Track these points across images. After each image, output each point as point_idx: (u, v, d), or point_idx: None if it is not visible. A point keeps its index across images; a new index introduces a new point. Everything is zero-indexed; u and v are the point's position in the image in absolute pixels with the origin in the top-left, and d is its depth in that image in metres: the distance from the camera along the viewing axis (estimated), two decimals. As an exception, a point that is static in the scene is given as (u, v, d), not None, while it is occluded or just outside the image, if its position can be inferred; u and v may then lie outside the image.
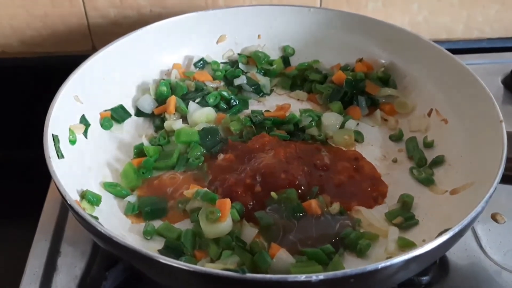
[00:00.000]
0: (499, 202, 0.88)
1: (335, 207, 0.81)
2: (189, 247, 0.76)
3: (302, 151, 0.91)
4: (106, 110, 0.96)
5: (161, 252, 0.77)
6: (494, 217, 0.88)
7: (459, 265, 0.82)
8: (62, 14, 1.16)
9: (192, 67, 1.09)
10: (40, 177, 0.90)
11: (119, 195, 0.86)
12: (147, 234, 0.79)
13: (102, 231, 0.67)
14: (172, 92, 1.02)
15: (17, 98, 1.22)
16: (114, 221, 0.81)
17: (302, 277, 0.58)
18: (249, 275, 0.60)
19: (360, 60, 1.07)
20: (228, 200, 0.78)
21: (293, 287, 0.60)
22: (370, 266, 0.60)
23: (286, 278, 0.59)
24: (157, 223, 0.82)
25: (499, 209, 0.88)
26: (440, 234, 0.72)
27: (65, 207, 0.90)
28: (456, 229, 0.66)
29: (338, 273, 0.60)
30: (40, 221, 0.88)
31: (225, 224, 0.76)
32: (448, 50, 0.97)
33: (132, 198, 0.85)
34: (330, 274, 0.60)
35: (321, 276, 0.59)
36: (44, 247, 0.83)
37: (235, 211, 0.78)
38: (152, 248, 0.77)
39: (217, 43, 1.12)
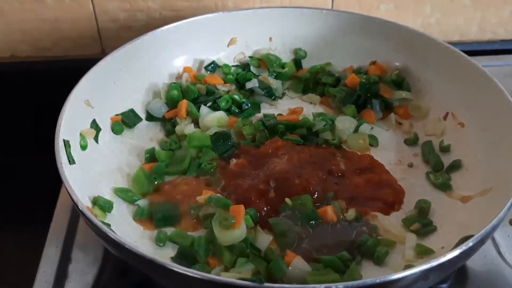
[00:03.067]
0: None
1: (351, 213, 0.80)
2: (202, 255, 0.75)
3: (316, 156, 0.89)
4: (116, 115, 0.95)
5: (174, 259, 0.75)
6: (513, 223, 0.86)
7: (477, 272, 0.80)
8: (72, 18, 1.16)
9: (203, 70, 1.08)
10: (51, 182, 0.89)
11: (130, 201, 0.84)
12: (160, 241, 0.78)
13: (115, 238, 0.65)
14: (183, 96, 1.01)
15: (26, 103, 1.22)
16: (126, 227, 0.80)
17: (322, 287, 0.57)
18: (267, 285, 0.59)
19: (374, 63, 1.05)
20: (242, 206, 0.76)
21: (312, 297, 0.59)
22: (391, 276, 0.59)
23: (305, 288, 0.58)
24: (168, 230, 0.80)
25: (518, 215, 0.87)
26: (460, 241, 0.71)
27: (76, 213, 0.89)
28: (478, 237, 0.64)
29: (359, 282, 0.58)
30: (51, 228, 0.87)
31: (239, 231, 0.74)
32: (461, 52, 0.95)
33: (142, 203, 0.84)
34: (349, 284, 0.58)
35: (340, 286, 0.57)
36: (55, 254, 0.83)
37: (249, 217, 0.77)
38: (164, 255, 0.76)
39: (228, 46, 1.10)
